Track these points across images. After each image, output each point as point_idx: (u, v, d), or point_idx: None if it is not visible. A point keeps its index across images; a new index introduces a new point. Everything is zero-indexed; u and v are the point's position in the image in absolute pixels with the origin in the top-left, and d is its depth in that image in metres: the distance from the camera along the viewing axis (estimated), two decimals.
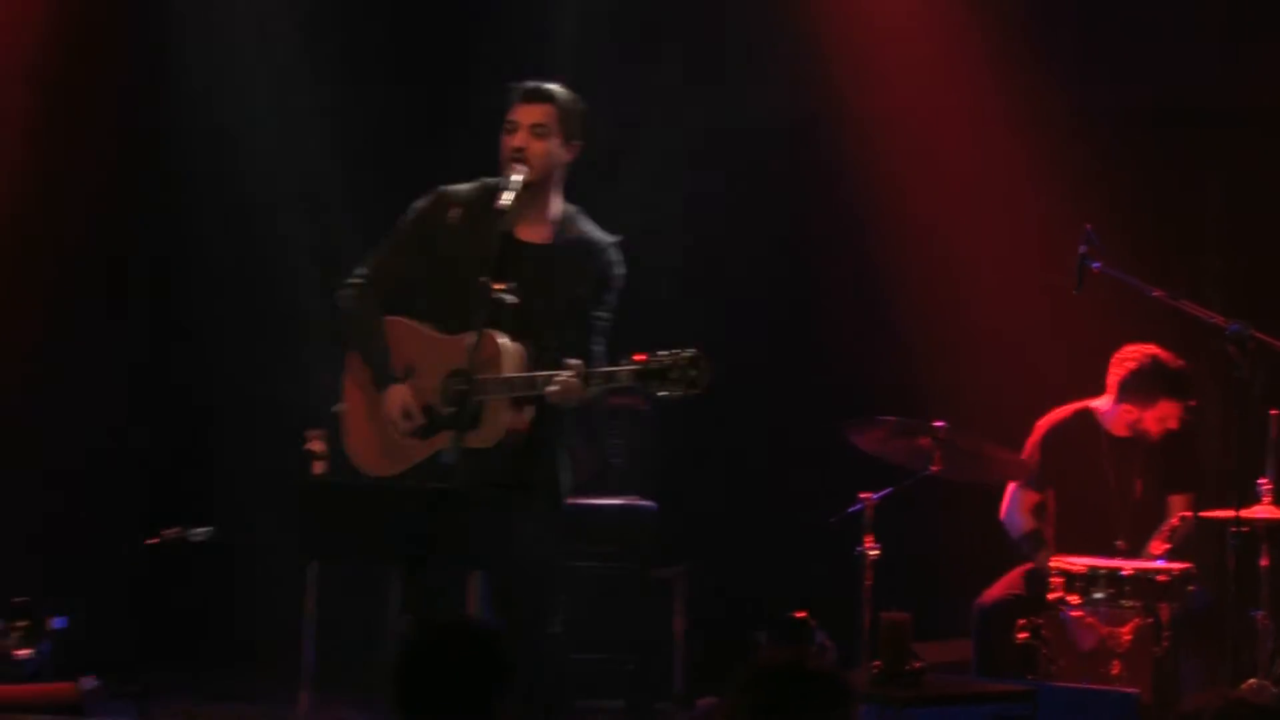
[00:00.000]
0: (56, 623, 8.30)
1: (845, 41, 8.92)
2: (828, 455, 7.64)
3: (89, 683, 7.97)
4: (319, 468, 7.98)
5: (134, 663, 8.11)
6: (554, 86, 6.53)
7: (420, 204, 6.63)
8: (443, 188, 6.60)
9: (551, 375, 6.17)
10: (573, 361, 6.18)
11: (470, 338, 6.16)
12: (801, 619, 7.56)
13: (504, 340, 6.26)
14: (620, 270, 6.55)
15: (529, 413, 6.33)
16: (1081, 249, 7.47)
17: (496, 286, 6.22)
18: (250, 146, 9.19)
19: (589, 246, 6.53)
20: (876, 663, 6.63)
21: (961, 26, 8.86)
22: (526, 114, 6.45)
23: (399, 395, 6.38)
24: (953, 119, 8.89)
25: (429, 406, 6.28)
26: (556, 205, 6.55)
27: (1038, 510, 7.82)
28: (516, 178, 6.36)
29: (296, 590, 8.21)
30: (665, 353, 6.05)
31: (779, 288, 9.03)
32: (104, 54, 9.03)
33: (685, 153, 9.10)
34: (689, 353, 6.03)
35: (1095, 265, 7.46)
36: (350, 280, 6.60)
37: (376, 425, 6.46)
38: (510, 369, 6.26)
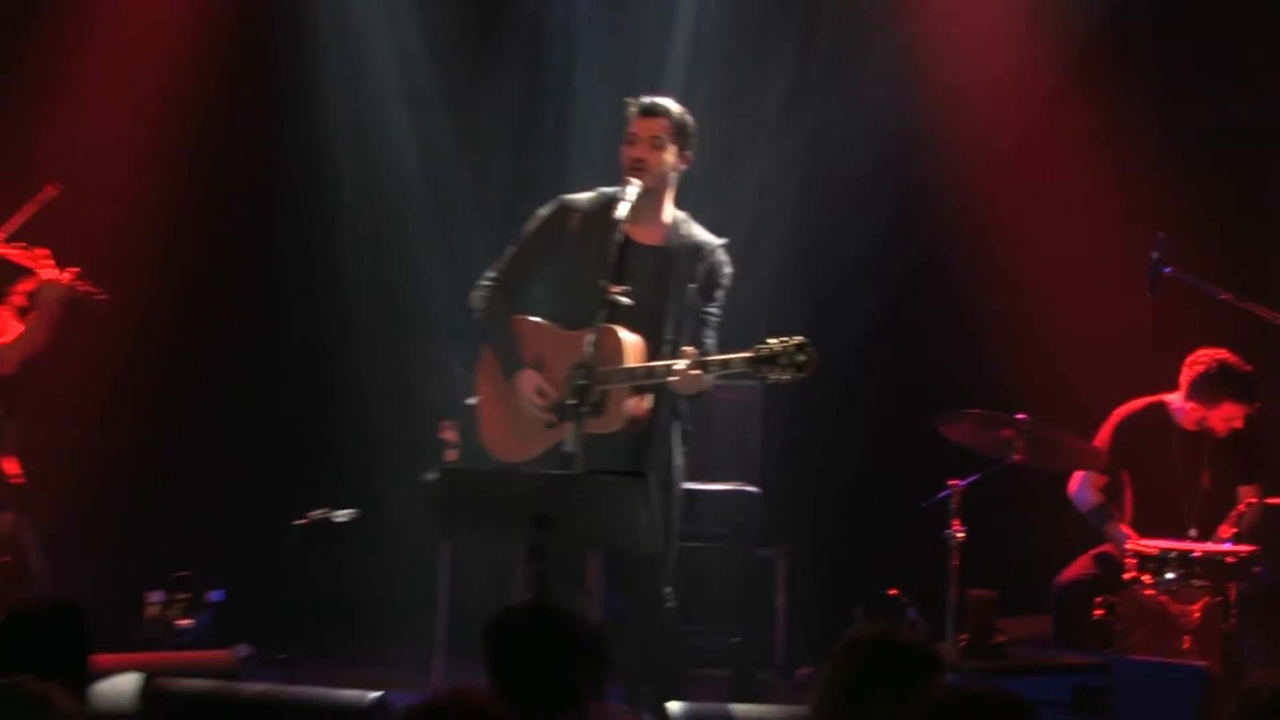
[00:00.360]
0: (214, 595, 8.38)
1: (942, 59, 8.90)
2: (919, 445, 7.60)
3: (243, 650, 8.04)
4: (451, 455, 8.02)
5: (284, 632, 8.18)
6: (668, 102, 6.58)
7: (543, 212, 6.68)
8: (563, 197, 6.68)
9: (670, 365, 6.20)
10: (688, 349, 6.21)
11: (592, 334, 6.20)
12: (894, 595, 7.54)
13: (625, 334, 6.31)
14: (728, 269, 6.59)
15: (649, 401, 6.38)
16: (1154, 255, 7.44)
17: (614, 289, 6.25)
18: (389, 159, 9.25)
19: (699, 248, 6.56)
20: (963, 636, 6.63)
21: (1050, 47, 8.83)
22: (644, 127, 6.50)
23: (530, 377, 6.45)
24: (1039, 133, 8.85)
25: (565, 401, 6.30)
26: (669, 210, 6.60)
27: (1105, 488, 7.78)
28: (633, 188, 6.40)
29: (431, 567, 8.25)
30: (774, 340, 6.08)
31: (875, 290, 9.00)
32: (249, 72, 9.10)
33: (787, 163, 9.10)
34: (796, 340, 6.08)
35: (1167, 270, 7.43)
36: (480, 282, 6.66)
37: (507, 415, 6.50)
38: (632, 360, 6.30)
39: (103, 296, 6.85)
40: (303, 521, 7.97)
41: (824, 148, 9.08)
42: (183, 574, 8.34)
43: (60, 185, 6.88)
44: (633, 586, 6.46)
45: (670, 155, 6.51)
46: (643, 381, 6.31)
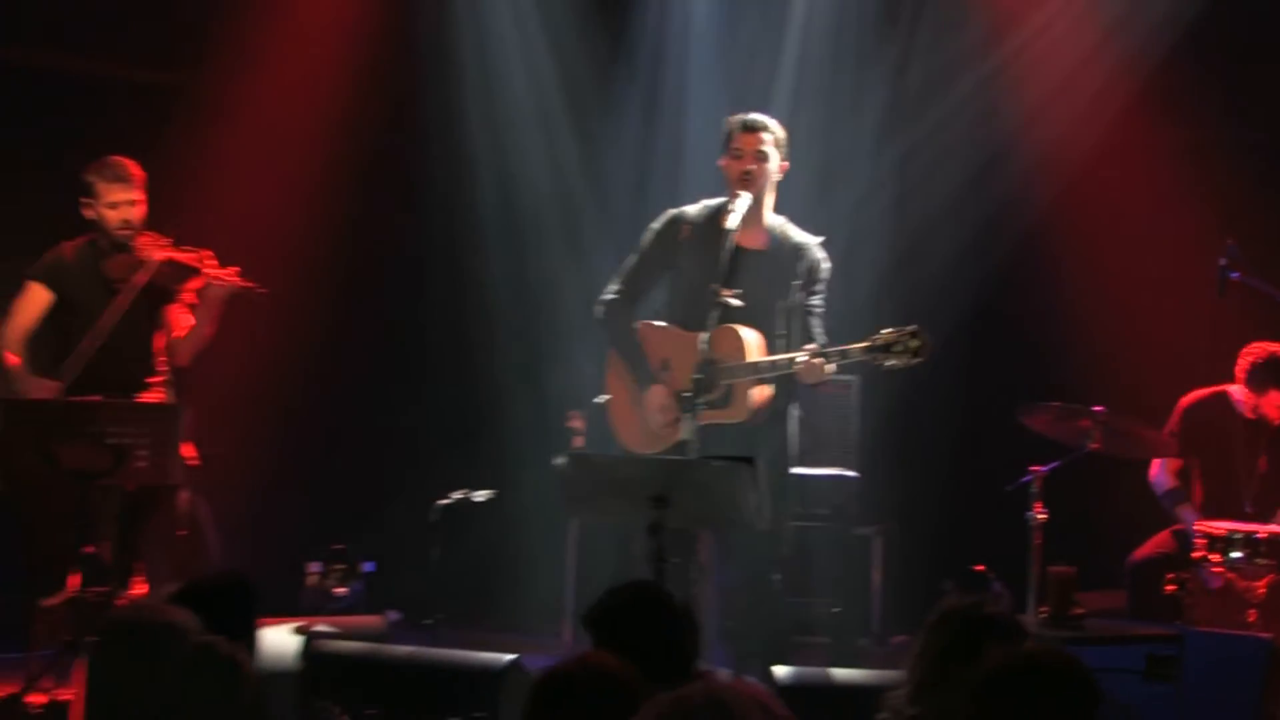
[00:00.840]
0: (367, 566, 8.45)
1: (1024, 83, 8.83)
2: (1004, 435, 7.51)
3: (393, 616, 8.10)
4: (578, 441, 8.02)
5: (428, 600, 8.21)
6: (767, 118, 6.57)
7: (656, 225, 6.68)
8: (673, 211, 6.67)
9: (793, 357, 6.17)
10: (810, 347, 6.18)
11: (706, 334, 6.17)
12: (981, 571, 7.46)
13: (744, 331, 6.30)
14: (826, 264, 6.59)
15: (770, 391, 6.35)
16: (1222, 261, 7.34)
17: (725, 292, 6.22)
18: (523, 173, 9.30)
19: (799, 248, 6.55)
20: (1044, 608, 6.56)
21: (1126, 69, 8.73)
22: (748, 142, 6.49)
23: (657, 395, 6.43)
24: (1115, 148, 8.76)
25: (682, 393, 6.26)
26: (770, 216, 6.57)
27: (1180, 473, 7.73)
28: (743, 201, 6.37)
29: (560, 542, 8.25)
30: (889, 329, 6.04)
31: (964, 294, 8.91)
32: (403, 99, 9.19)
33: (883, 180, 9.05)
34: (910, 327, 6.05)
35: (1234, 275, 7.34)
36: (604, 296, 6.67)
37: (638, 412, 6.50)
38: (754, 355, 6.28)
39: (262, 290, 6.91)
40: (446, 501, 8.01)
41: (916, 165, 9.04)
42: (339, 547, 8.41)
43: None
44: (741, 561, 6.42)
45: (772, 165, 6.51)
46: (767, 374, 6.29)
